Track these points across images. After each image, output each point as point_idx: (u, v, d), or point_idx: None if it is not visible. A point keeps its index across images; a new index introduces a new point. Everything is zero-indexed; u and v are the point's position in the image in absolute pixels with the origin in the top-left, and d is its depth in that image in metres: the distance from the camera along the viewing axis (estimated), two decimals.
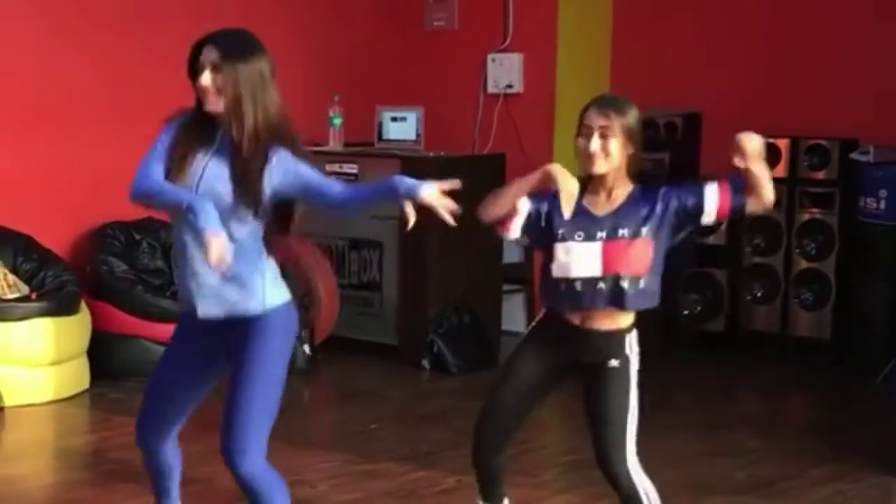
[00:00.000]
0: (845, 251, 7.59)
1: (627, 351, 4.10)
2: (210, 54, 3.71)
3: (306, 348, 7.20)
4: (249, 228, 3.73)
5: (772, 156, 7.74)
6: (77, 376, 6.66)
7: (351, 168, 7.74)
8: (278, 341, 3.84)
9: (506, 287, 8.10)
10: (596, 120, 4.02)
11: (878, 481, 5.44)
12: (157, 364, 4.19)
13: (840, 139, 7.61)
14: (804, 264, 7.71)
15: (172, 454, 4.27)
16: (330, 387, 7.28)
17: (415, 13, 8.93)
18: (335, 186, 3.81)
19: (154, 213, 7.38)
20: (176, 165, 3.77)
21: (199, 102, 3.74)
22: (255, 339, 3.77)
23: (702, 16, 8.30)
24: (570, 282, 4.05)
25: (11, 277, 6.62)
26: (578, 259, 4.04)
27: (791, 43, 8.00)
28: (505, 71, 8.55)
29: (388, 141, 8.00)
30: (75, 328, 6.61)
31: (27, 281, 6.70)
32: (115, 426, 6.13)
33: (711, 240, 7.91)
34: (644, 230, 4.01)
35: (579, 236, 4.05)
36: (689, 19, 8.32)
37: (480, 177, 7.73)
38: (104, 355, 6.82)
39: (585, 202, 4.07)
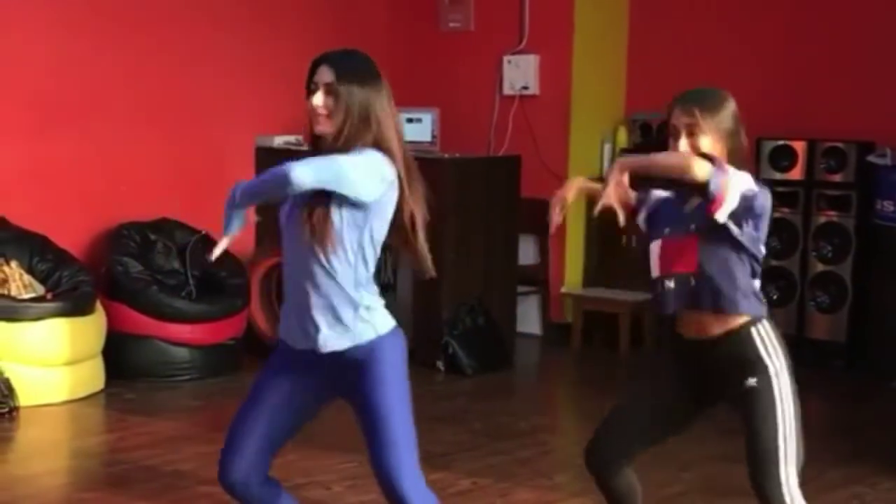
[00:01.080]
0: (861, 254, 7.57)
1: (764, 357, 3.73)
2: (324, 76, 3.53)
3: None
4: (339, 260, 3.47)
5: (788, 158, 7.77)
6: (92, 376, 6.67)
7: None
8: (389, 371, 3.60)
9: (520, 289, 8.09)
10: (680, 118, 3.70)
11: (894, 484, 5.42)
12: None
13: (857, 142, 7.59)
14: (820, 267, 7.69)
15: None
16: None
17: (430, 14, 8.93)
18: None
19: (169, 214, 7.42)
20: None
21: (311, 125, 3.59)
22: (366, 380, 3.57)
23: (719, 18, 8.28)
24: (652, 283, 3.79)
25: (27, 278, 6.63)
26: (652, 254, 3.77)
27: (808, 46, 7.98)
28: (521, 72, 8.55)
29: (404, 143, 7.98)
30: (90, 328, 6.62)
31: (43, 281, 6.71)
32: (130, 426, 6.14)
33: None
34: (693, 226, 3.67)
35: (655, 233, 3.80)
36: (706, 21, 8.30)
37: (496, 179, 7.78)
38: (119, 355, 6.83)
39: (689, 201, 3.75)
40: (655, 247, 3.74)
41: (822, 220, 7.68)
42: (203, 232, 7.34)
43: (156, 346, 6.88)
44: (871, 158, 7.49)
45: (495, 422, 6.40)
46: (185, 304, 6.99)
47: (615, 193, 3.69)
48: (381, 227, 3.55)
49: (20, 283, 6.55)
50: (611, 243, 8.29)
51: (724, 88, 3.80)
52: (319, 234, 3.41)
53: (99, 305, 6.76)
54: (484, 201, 7.63)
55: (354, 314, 3.52)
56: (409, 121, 8.00)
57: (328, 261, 3.44)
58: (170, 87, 7.58)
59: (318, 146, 3.58)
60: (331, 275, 3.46)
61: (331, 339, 3.51)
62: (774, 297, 7.82)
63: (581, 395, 7.44)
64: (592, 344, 8.18)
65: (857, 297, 7.58)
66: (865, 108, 7.70)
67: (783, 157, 7.78)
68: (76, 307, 6.54)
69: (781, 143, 7.80)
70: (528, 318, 8.37)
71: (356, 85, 3.51)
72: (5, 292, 6.43)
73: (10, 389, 6.24)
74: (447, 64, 8.82)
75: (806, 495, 5.24)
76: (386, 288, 7.71)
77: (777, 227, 7.70)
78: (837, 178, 7.64)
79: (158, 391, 6.78)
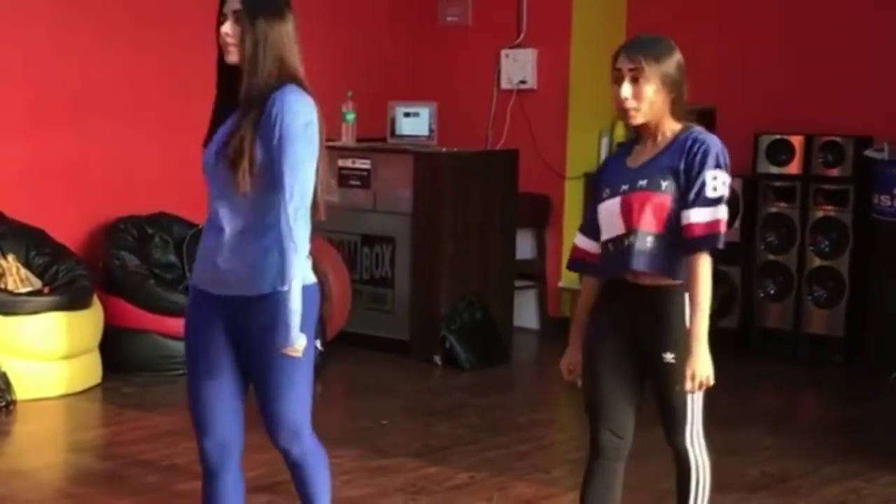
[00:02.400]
0: (859, 249, 7.57)
1: (687, 324, 3.70)
2: (232, 3, 3.56)
3: (318, 343, 7.18)
4: (258, 200, 3.46)
5: (786, 152, 7.77)
6: (89, 370, 6.67)
7: (364, 163, 7.73)
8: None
9: (518, 283, 8.08)
10: (625, 63, 3.66)
11: (892, 479, 5.42)
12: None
13: (854, 136, 7.58)
14: (818, 262, 7.69)
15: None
16: (341, 382, 7.27)
17: (428, 8, 8.92)
18: (285, 199, 3.43)
19: (166, 208, 7.41)
20: (210, 129, 3.69)
21: (220, 54, 3.62)
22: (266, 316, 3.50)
23: (716, 12, 8.27)
24: (604, 245, 3.76)
25: (24, 272, 6.62)
26: (606, 216, 3.73)
27: (806, 40, 7.97)
28: (518, 67, 8.54)
29: (401, 136, 8.00)
30: (87, 322, 6.62)
31: (40, 275, 6.70)
32: (127, 420, 6.14)
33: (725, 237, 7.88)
34: (664, 183, 3.63)
35: (606, 193, 3.74)
36: (703, 16, 8.29)
37: (493, 173, 7.77)
38: (116, 349, 6.82)
39: (632, 153, 3.76)
40: (613, 204, 3.70)
41: (820, 214, 7.67)
42: (200, 225, 7.32)
43: (153, 341, 6.88)
44: (869, 153, 7.48)
45: (493, 416, 6.40)
46: (183, 299, 6.95)
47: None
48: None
49: (17, 276, 6.54)
50: None
51: (671, 39, 3.84)
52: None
53: (96, 299, 6.76)
54: (481, 195, 7.63)
55: None
56: (407, 115, 8.00)
57: None
58: (167, 80, 7.56)
59: (231, 76, 3.58)
60: None
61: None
62: (772, 291, 7.82)
63: (577, 390, 7.42)
64: None
65: (854, 291, 7.58)
66: (863, 103, 7.70)
67: (781, 152, 7.78)
68: (73, 301, 6.54)
69: (779, 137, 7.80)
70: (526, 312, 8.37)
71: (262, 14, 3.55)
72: (2, 286, 6.42)
73: (7, 383, 6.24)
74: (445, 58, 8.81)
75: (803, 489, 5.27)
76: (384, 283, 7.72)
77: (774, 221, 7.73)
78: (835, 172, 7.63)
79: (155, 385, 6.78)
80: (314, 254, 3.70)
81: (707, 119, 8.15)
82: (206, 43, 8.45)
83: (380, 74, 8.65)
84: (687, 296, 3.70)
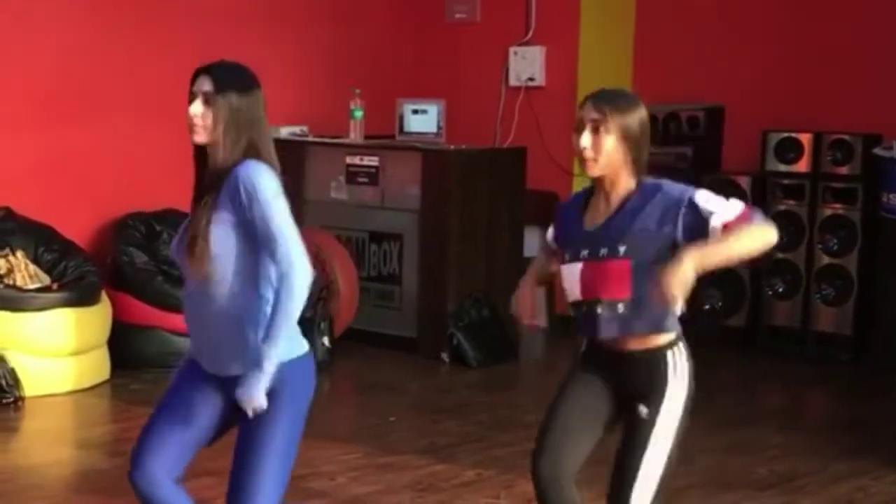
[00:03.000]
0: (867, 247, 7.55)
1: (668, 381, 3.65)
2: (203, 84, 3.49)
3: (325, 340, 7.20)
4: (229, 282, 3.40)
5: (794, 150, 7.76)
6: (97, 367, 6.68)
7: (372, 160, 7.74)
8: (287, 396, 3.49)
9: None
10: (589, 112, 3.60)
11: None
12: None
13: (863, 134, 7.57)
14: (826, 260, 7.68)
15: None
16: (349, 379, 7.28)
17: (436, 6, 8.92)
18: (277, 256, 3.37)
19: (175, 204, 7.42)
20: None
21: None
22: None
23: (725, 9, 8.26)
24: (572, 306, 3.72)
25: (32, 268, 6.64)
26: (567, 282, 3.70)
27: (815, 37, 7.96)
28: (527, 64, 8.54)
29: (409, 134, 8.00)
30: (96, 319, 6.62)
31: (48, 271, 6.72)
32: (135, 416, 6.12)
33: None
34: (622, 248, 3.57)
35: (567, 256, 3.71)
36: (712, 13, 8.28)
37: (501, 170, 7.77)
38: (124, 346, 6.83)
39: (589, 210, 3.70)
40: (574, 269, 3.66)
41: (828, 212, 7.66)
42: None
43: (161, 337, 6.88)
44: (878, 151, 7.47)
45: (500, 413, 6.40)
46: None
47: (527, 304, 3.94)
48: None
49: (26, 273, 6.56)
50: None
51: (637, 96, 3.75)
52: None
53: (104, 296, 6.77)
54: (489, 193, 7.62)
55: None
56: (415, 112, 8.00)
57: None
58: (175, 77, 7.54)
59: (203, 156, 3.49)
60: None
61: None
62: (780, 289, 7.81)
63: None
64: None
65: (862, 289, 7.56)
66: (872, 101, 7.69)
67: (789, 150, 7.77)
68: (81, 297, 6.55)
69: (787, 135, 7.78)
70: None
71: (233, 92, 3.47)
72: (11, 282, 6.44)
73: (16, 379, 6.25)
74: (453, 55, 8.81)
75: (810, 488, 5.26)
76: (391, 280, 7.72)
77: (783, 219, 7.72)
78: (844, 170, 7.62)
79: (163, 382, 6.66)
80: (322, 249, 3.68)
81: (715, 117, 8.17)
82: (216, 41, 8.53)
83: (388, 71, 8.65)
84: (671, 352, 3.66)
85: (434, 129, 7.94)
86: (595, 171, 3.60)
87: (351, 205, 7.81)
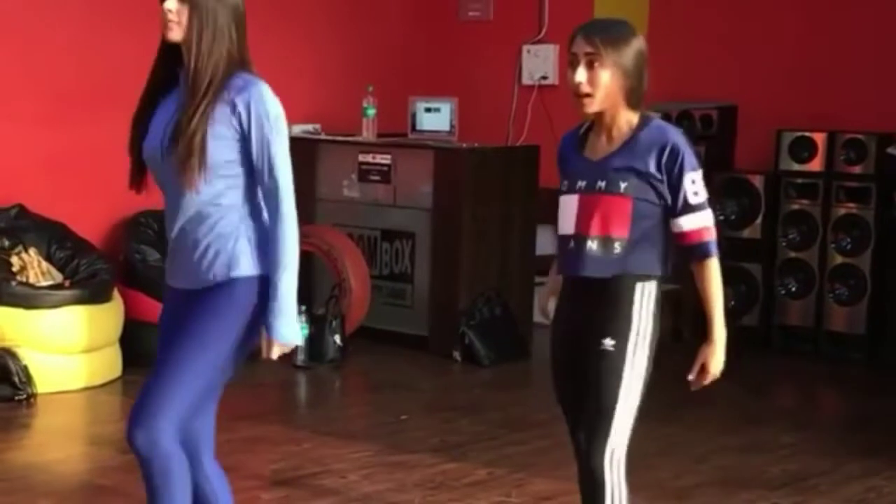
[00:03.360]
0: (881, 246, 7.53)
1: (633, 315, 3.56)
2: None
3: (337, 338, 7.20)
4: (210, 190, 3.36)
5: (808, 150, 7.74)
6: (109, 364, 6.68)
7: (384, 158, 7.73)
8: (222, 309, 3.39)
9: (538, 279, 8.06)
10: (581, 46, 3.48)
11: None
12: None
13: (877, 133, 7.54)
14: (839, 259, 7.65)
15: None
16: (360, 378, 7.28)
17: (450, 4, 8.92)
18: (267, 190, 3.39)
19: None
20: (143, 109, 3.59)
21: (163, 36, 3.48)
22: (198, 305, 3.40)
23: (738, 8, 8.23)
24: (559, 240, 3.64)
25: (45, 265, 6.64)
26: (562, 213, 3.60)
27: (828, 36, 7.93)
28: (540, 62, 8.53)
29: (422, 132, 7.99)
30: (108, 316, 6.63)
31: (61, 269, 6.72)
32: None
33: (746, 234, 7.88)
34: (623, 185, 3.48)
35: (564, 186, 3.61)
36: (725, 12, 8.26)
37: (514, 169, 7.76)
38: (136, 343, 6.82)
39: (588, 143, 3.59)
40: (570, 200, 3.57)
41: (842, 211, 7.64)
42: None
43: None
44: (892, 150, 7.45)
45: (512, 412, 6.39)
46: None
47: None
48: None
49: (38, 270, 6.56)
50: None
51: (632, 24, 3.63)
52: None
53: (117, 293, 6.77)
54: (502, 191, 7.62)
55: None
56: (428, 110, 7.99)
57: None
58: None
59: (173, 54, 3.47)
60: None
61: None
62: (793, 289, 7.79)
63: None
64: None
65: (876, 289, 7.54)
66: (886, 100, 7.66)
67: (803, 149, 7.75)
68: (94, 295, 6.56)
69: (801, 134, 7.76)
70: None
71: None
72: (24, 280, 6.44)
73: (28, 376, 6.26)
74: (466, 53, 8.81)
75: (823, 487, 5.24)
76: (403, 278, 7.72)
77: (796, 218, 7.71)
78: (857, 169, 7.60)
79: None
80: (334, 248, 3.69)
81: (728, 116, 8.15)
82: None
83: (401, 69, 8.65)
84: (640, 286, 3.54)
85: (447, 128, 7.93)
86: (593, 107, 3.50)
87: (363, 203, 7.81)
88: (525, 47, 8.58)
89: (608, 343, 3.54)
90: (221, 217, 3.40)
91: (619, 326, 3.55)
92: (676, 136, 3.53)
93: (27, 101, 7.00)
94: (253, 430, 5.83)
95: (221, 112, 3.35)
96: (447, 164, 7.53)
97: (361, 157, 7.79)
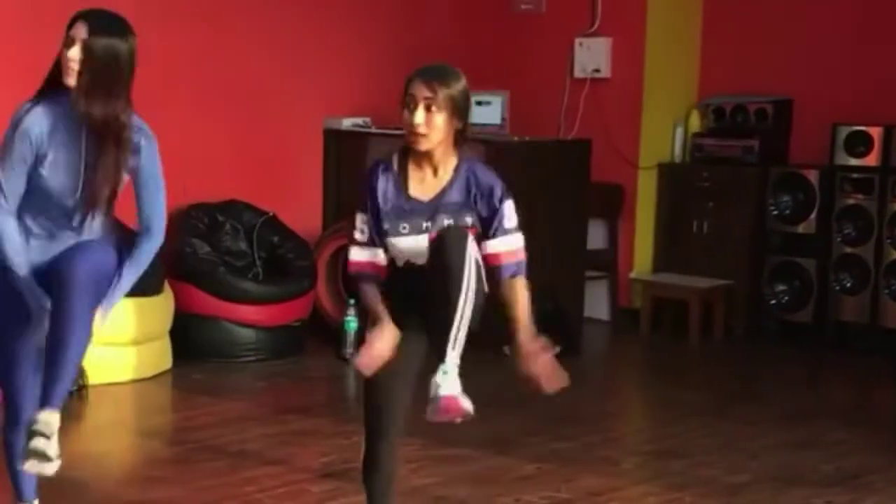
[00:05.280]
0: None
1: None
2: (79, 31, 3.72)
3: None
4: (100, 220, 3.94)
5: (864, 144, 7.64)
6: (159, 356, 6.71)
7: None
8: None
9: (589, 274, 8.02)
10: (421, 91, 3.80)
11: None
12: None
13: None
14: (895, 255, 7.56)
15: None
16: None
17: None
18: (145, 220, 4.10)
19: (237, 196, 7.45)
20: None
21: (52, 78, 3.78)
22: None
23: (793, 1, 8.15)
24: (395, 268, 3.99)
25: None
26: (412, 251, 3.92)
27: (885, 28, 7.84)
28: (592, 55, 8.47)
29: (473, 125, 7.88)
30: (158, 309, 6.65)
31: None
32: (197, 406, 6.16)
33: (801, 229, 7.80)
34: (470, 220, 3.92)
35: (404, 229, 3.92)
36: (781, 4, 8.18)
37: (566, 162, 7.71)
38: (186, 336, 6.85)
39: (411, 181, 3.90)
40: (418, 242, 3.90)
41: None
42: (271, 213, 7.36)
43: (222, 327, 6.91)
44: None
45: (561, 407, 6.33)
46: (252, 286, 7.00)
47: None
48: None
49: None
50: (680, 229, 8.21)
51: (458, 69, 3.99)
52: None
53: (167, 286, 6.79)
54: (553, 185, 7.57)
55: None
56: (479, 103, 7.94)
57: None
58: (237, 69, 7.59)
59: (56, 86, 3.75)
60: None
61: None
62: (847, 284, 7.70)
63: (648, 382, 7.37)
64: (661, 330, 8.10)
65: None
66: None
67: (859, 143, 7.65)
68: (145, 287, 6.53)
69: (857, 128, 7.67)
70: (597, 303, 8.31)
71: (110, 39, 3.79)
72: None
73: (80, 368, 6.27)
74: (518, 46, 8.76)
75: (877, 485, 5.18)
76: None
77: (852, 214, 7.62)
78: None
79: (225, 371, 6.81)
80: None
81: (784, 109, 8.07)
82: (277, 32, 8.49)
83: (452, 63, 8.51)
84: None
85: (498, 121, 7.90)
86: (425, 145, 3.81)
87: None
88: (577, 40, 8.52)
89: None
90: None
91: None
92: (489, 175, 3.99)
93: None
94: (302, 423, 5.83)
95: (128, 159, 4.02)
96: (498, 157, 7.47)
97: None
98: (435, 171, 3.90)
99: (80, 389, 6.24)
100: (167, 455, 5.45)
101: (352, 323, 6.97)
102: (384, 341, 3.90)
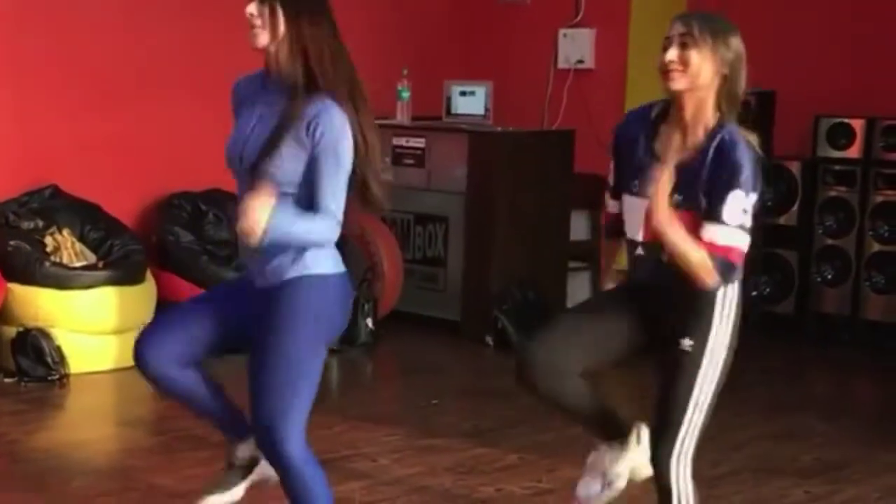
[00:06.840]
0: None
1: (714, 318, 3.40)
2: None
3: (369, 322, 7.19)
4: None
5: (846, 136, 7.66)
6: None
7: (418, 142, 7.71)
8: (305, 306, 3.51)
9: (572, 265, 8.03)
10: (677, 27, 3.34)
11: None
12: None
13: None
14: (876, 247, 7.58)
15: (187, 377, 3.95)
16: (392, 362, 7.27)
17: None
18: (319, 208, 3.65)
19: (221, 185, 7.43)
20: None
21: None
22: (280, 305, 3.50)
23: None
24: (630, 242, 3.50)
25: (78, 246, 6.66)
26: (628, 217, 3.48)
27: (867, 21, 7.85)
28: (576, 46, 8.48)
29: (457, 115, 7.96)
30: (140, 297, 6.64)
31: (94, 249, 6.74)
32: None
33: (782, 220, 7.81)
34: (703, 201, 3.32)
35: (635, 186, 3.45)
36: None
37: (549, 153, 7.72)
38: None
39: (659, 139, 3.44)
40: (638, 205, 3.41)
41: (880, 199, 7.56)
42: None
43: None
44: None
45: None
46: (235, 275, 6.98)
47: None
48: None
49: (72, 251, 6.58)
50: None
51: (734, 24, 3.54)
52: None
53: (149, 275, 6.78)
54: (536, 176, 7.58)
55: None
56: (463, 94, 7.96)
57: None
58: (223, 57, 7.55)
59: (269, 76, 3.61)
60: None
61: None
62: (829, 276, 7.73)
63: (629, 373, 7.38)
64: None
65: None
66: None
67: (841, 135, 7.68)
68: (127, 276, 6.56)
69: (839, 120, 7.69)
70: (579, 294, 8.30)
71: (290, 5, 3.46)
72: (57, 260, 6.46)
73: (62, 356, 6.28)
74: (502, 37, 8.76)
75: (857, 477, 5.20)
76: (436, 262, 7.70)
77: (833, 206, 7.64)
78: None
79: (206, 361, 6.78)
80: (367, 231, 3.75)
81: (766, 102, 8.07)
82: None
83: (436, 53, 8.61)
84: (721, 292, 3.41)
85: (481, 111, 7.90)
86: (679, 81, 3.33)
87: (397, 186, 7.71)
88: (561, 31, 8.53)
89: (686, 344, 3.43)
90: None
91: (700, 326, 3.42)
92: (746, 156, 3.38)
93: (61, 85, 7.00)
94: None
95: (302, 134, 3.53)
96: (481, 147, 7.50)
97: (395, 141, 7.77)
98: (684, 132, 3.39)
99: (61, 378, 6.24)
100: (149, 444, 5.45)
101: None
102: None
